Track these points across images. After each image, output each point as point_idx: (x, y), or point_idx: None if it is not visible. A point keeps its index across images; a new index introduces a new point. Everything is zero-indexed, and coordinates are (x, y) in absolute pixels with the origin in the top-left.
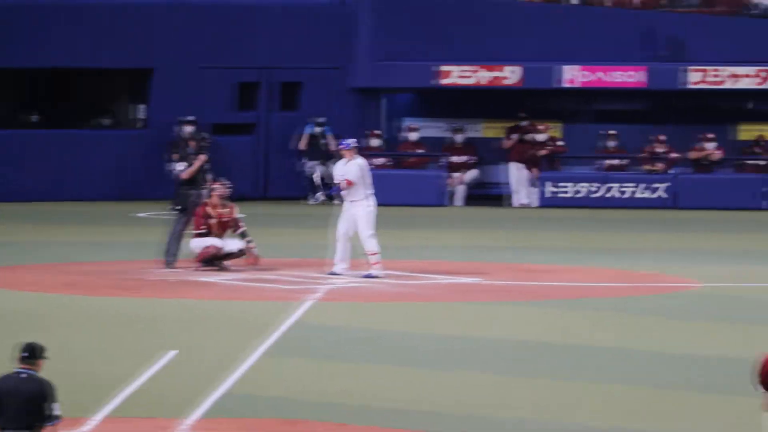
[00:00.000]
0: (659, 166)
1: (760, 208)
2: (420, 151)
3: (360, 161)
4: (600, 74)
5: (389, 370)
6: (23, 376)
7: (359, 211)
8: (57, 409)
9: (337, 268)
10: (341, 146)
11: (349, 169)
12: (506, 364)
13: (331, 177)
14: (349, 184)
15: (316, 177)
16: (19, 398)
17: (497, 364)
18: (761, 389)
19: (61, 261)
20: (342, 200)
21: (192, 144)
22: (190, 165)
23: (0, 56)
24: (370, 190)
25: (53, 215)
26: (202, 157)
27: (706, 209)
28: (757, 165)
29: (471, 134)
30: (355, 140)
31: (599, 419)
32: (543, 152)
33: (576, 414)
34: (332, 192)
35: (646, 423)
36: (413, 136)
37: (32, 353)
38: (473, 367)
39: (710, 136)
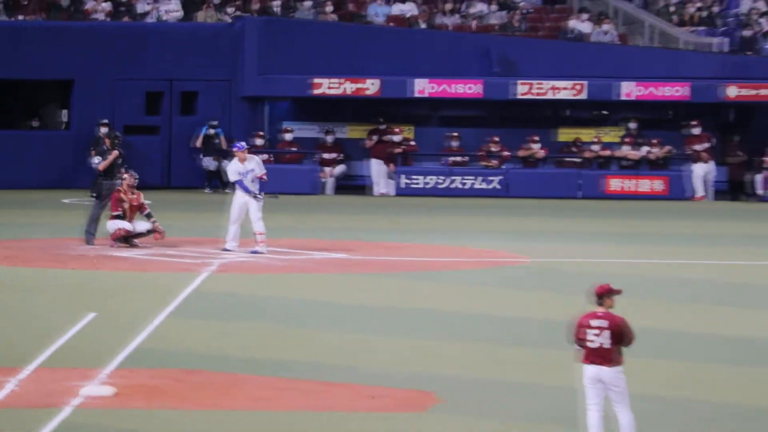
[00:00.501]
0: (494, 162)
1: (575, 197)
2: (294, 149)
3: (258, 158)
4: (445, 86)
5: (274, 329)
6: None
7: (250, 198)
8: None
9: (228, 245)
10: (235, 149)
11: (253, 166)
12: (370, 324)
13: (223, 170)
14: (264, 177)
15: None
16: None
17: (363, 324)
18: (575, 345)
19: (1, 239)
20: (261, 193)
21: (107, 142)
22: (105, 159)
23: None
24: (257, 183)
25: None
26: (115, 153)
27: (533, 198)
28: (574, 162)
29: (339, 135)
30: (245, 143)
31: (442, 368)
32: (398, 150)
33: (426, 364)
34: (260, 189)
35: (481, 373)
36: (288, 136)
37: None
38: (344, 326)
39: (535, 138)
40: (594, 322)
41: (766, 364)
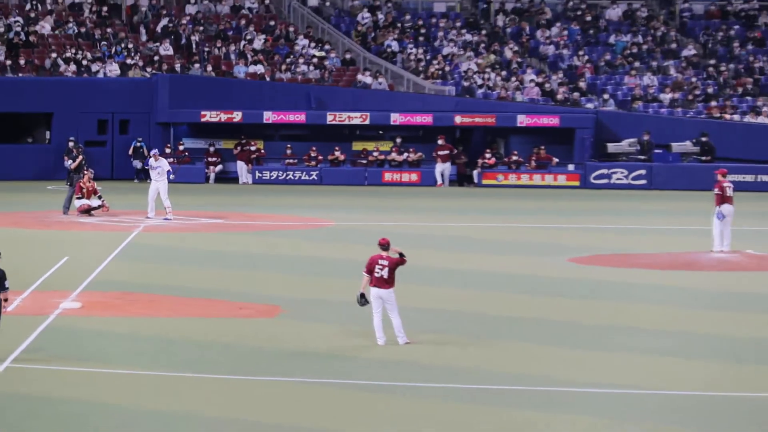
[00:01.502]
0: (313, 163)
1: (363, 185)
2: (186, 154)
3: (165, 160)
4: (282, 116)
5: (179, 266)
6: None
7: (161, 184)
8: (7, 284)
9: (149, 215)
10: (153, 153)
11: (161, 164)
12: (239, 262)
13: (146, 168)
14: (170, 169)
15: (137, 165)
16: None
17: (235, 263)
18: (366, 273)
19: (9, 211)
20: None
21: (74, 151)
22: (74, 161)
23: None
24: (167, 174)
25: (6, 188)
26: (80, 158)
27: (337, 185)
28: (362, 162)
29: (217, 146)
30: (157, 150)
31: (285, 291)
32: (254, 156)
33: (274, 288)
34: (168, 175)
35: (309, 294)
36: (181, 147)
37: None
38: (223, 264)
39: (338, 148)
40: (381, 261)
41: (491, 287)
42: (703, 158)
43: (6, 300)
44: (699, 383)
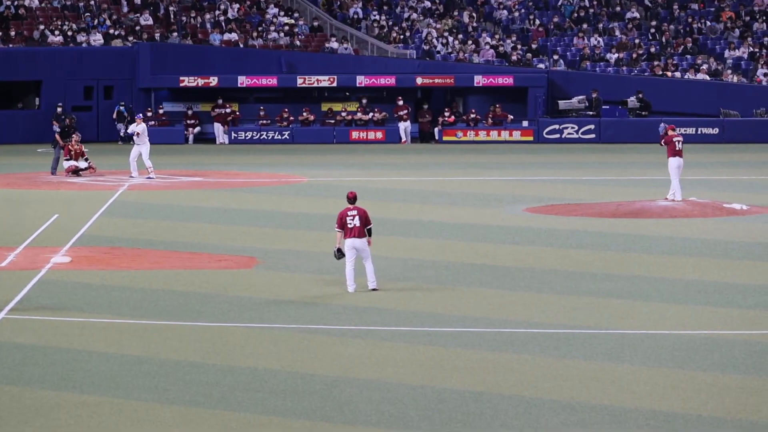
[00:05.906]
0: (285, 123)
1: (332, 143)
2: (164, 118)
3: (144, 125)
4: (255, 80)
5: (162, 222)
6: None
7: (142, 147)
8: None
9: (133, 174)
10: (137, 117)
11: (141, 130)
12: (217, 217)
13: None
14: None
15: (122, 131)
16: None
17: (213, 217)
18: (338, 228)
19: (1, 173)
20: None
21: (67, 119)
22: (60, 127)
23: None
24: (147, 137)
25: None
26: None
27: (307, 144)
28: (330, 122)
29: (196, 109)
30: (141, 115)
31: (260, 243)
32: (230, 118)
33: (251, 241)
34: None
35: (283, 245)
36: (161, 111)
37: None
38: (202, 219)
39: (307, 109)
40: (350, 212)
41: (453, 237)
42: (642, 113)
43: None
44: (645, 321)
